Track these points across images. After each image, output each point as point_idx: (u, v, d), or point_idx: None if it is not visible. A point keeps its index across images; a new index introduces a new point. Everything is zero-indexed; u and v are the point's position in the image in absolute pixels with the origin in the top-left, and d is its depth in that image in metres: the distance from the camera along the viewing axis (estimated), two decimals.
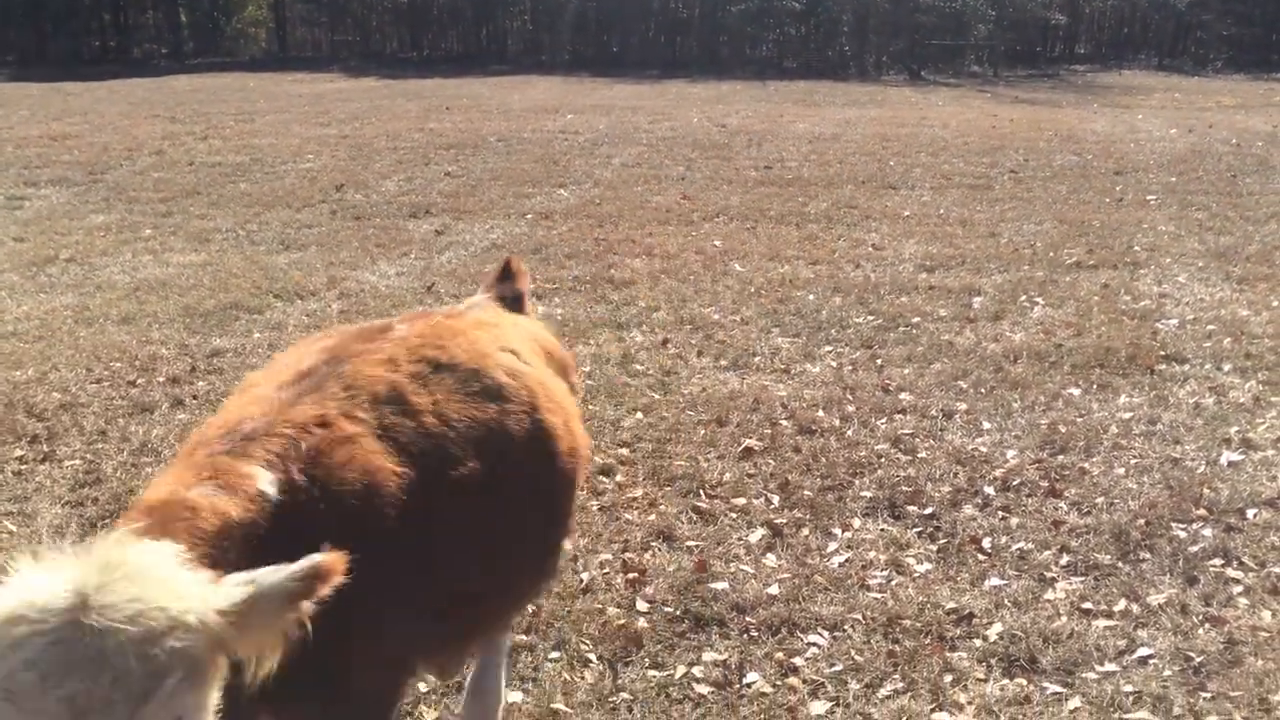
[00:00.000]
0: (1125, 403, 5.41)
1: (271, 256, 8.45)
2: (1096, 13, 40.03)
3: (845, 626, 3.54)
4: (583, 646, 3.44)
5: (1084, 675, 3.28)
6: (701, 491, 4.48)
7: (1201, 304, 7.09)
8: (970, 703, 3.18)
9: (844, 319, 6.79)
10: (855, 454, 4.82)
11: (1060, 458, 4.78)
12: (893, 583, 3.80)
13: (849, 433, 5.07)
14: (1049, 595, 3.72)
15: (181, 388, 5.62)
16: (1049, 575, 3.85)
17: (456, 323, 2.57)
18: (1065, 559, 3.95)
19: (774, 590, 3.73)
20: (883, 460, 4.77)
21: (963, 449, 4.87)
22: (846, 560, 3.95)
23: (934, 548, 4.05)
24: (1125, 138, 15.86)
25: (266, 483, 1.86)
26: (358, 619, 1.75)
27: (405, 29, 39.53)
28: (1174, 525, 4.15)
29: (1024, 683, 3.26)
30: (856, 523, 4.24)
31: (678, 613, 3.61)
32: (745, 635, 3.51)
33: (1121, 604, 3.65)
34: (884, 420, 5.21)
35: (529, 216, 10.04)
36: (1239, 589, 3.74)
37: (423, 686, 3.24)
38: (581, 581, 3.81)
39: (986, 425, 5.14)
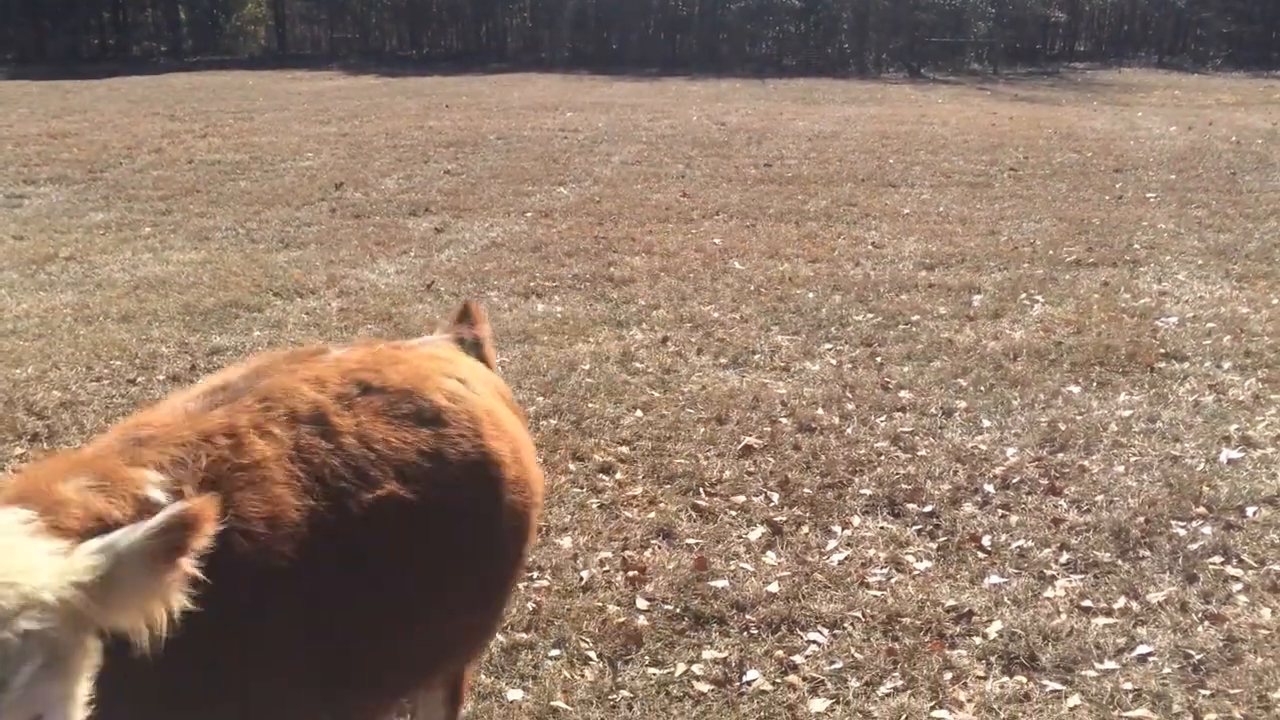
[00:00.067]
0: (1125, 400, 5.41)
1: (271, 254, 8.44)
2: (1096, 10, 39.99)
3: (845, 624, 3.54)
4: (583, 644, 3.44)
5: (1083, 673, 3.29)
6: (701, 489, 4.48)
7: (1201, 301, 7.09)
8: (970, 700, 3.18)
9: (844, 317, 6.79)
10: (855, 452, 4.82)
11: (1060, 455, 4.78)
12: (892, 580, 3.81)
13: (849, 430, 5.07)
14: (1049, 593, 3.72)
15: (182, 386, 5.62)
16: (1049, 573, 3.85)
17: (401, 352, 2.33)
18: (1065, 557, 3.95)
19: (774, 588, 3.73)
20: (882, 458, 4.77)
21: (962, 447, 4.87)
22: (846, 558, 3.96)
23: (934, 545, 4.05)
24: (1125, 135, 15.84)
25: (154, 488, 1.65)
26: (232, 668, 1.57)
27: (405, 26, 39.49)
28: (1174, 523, 4.16)
29: (1024, 680, 3.26)
30: (856, 520, 4.24)
31: (677, 610, 3.62)
32: (745, 633, 3.51)
33: (1121, 602, 3.65)
34: (884, 418, 5.21)
35: (528, 214, 10.04)
36: (1238, 587, 3.74)
37: None
38: (581, 579, 3.81)
39: (986, 423, 5.14)
